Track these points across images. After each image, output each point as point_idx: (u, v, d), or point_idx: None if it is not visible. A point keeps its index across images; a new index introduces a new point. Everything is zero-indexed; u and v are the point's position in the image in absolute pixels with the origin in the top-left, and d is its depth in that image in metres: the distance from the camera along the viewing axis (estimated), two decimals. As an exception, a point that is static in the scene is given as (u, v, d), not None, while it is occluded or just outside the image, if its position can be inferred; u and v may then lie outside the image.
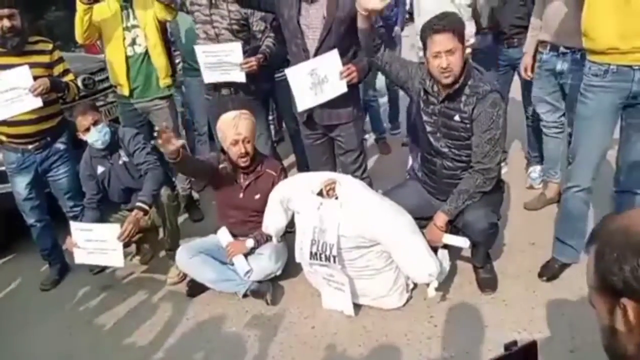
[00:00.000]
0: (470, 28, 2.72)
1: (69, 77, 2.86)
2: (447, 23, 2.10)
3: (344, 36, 2.43)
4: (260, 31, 2.92)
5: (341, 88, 2.42)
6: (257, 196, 2.63)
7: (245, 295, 2.55)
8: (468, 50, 2.46)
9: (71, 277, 3.05)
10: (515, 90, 3.31)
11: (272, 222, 2.49)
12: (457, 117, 2.23)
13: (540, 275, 2.44)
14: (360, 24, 2.23)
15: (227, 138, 2.54)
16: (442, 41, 2.09)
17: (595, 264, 0.79)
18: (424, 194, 2.52)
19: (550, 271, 2.43)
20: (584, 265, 2.43)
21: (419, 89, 2.32)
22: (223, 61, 2.78)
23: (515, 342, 0.87)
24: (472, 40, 2.76)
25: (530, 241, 2.74)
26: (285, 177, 2.86)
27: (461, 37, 2.12)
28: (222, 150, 2.66)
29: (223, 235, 2.69)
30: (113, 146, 2.83)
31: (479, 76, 2.23)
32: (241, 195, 2.64)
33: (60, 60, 2.85)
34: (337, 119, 2.60)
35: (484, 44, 3.11)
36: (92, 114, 2.72)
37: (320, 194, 2.34)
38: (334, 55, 2.38)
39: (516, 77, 3.23)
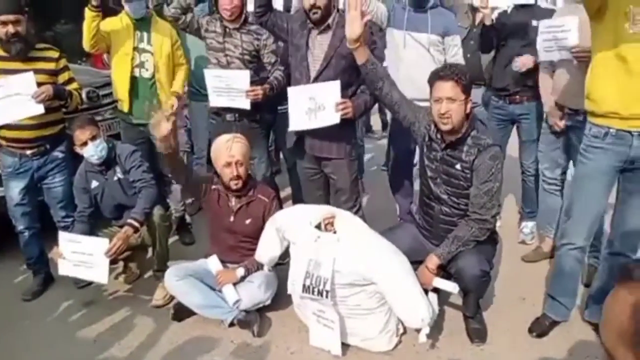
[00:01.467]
0: None
1: (73, 86, 2.87)
2: (451, 72, 2.19)
3: (344, 72, 2.51)
4: (271, 63, 2.99)
5: (334, 119, 2.47)
6: (248, 221, 2.62)
7: (231, 324, 2.50)
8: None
9: (54, 289, 2.96)
10: (510, 146, 3.39)
11: (267, 250, 2.47)
12: (458, 166, 2.27)
13: (530, 330, 2.43)
14: (357, 60, 2.31)
15: (220, 160, 2.55)
16: (444, 88, 2.18)
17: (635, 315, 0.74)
18: (418, 237, 2.54)
19: (540, 327, 2.42)
20: (574, 324, 2.43)
21: (424, 133, 2.37)
22: (230, 87, 2.83)
23: None
24: None
25: (522, 296, 2.74)
26: (279, 204, 2.86)
27: (465, 89, 2.19)
28: (216, 174, 2.66)
29: (213, 263, 2.65)
30: (109, 162, 2.81)
31: (482, 128, 2.30)
32: (232, 218, 2.63)
33: (66, 68, 2.87)
34: (328, 152, 2.64)
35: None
36: (91, 128, 2.71)
37: (318, 227, 2.34)
38: (335, 86, 2.45)
39: (513, 132, 3.31)
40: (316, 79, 2.52)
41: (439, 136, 2.31)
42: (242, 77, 2.82)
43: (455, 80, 2.16)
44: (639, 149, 2.04)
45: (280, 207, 2.84)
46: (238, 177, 2.55)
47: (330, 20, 2.51)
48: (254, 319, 2.48)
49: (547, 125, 2.89)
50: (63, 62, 2.86)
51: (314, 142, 2.63)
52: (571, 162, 2.84)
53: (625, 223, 2.21)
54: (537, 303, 2.58)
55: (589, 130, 2.17)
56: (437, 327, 2.41)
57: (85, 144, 2.70)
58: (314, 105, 2.46)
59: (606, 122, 2.08)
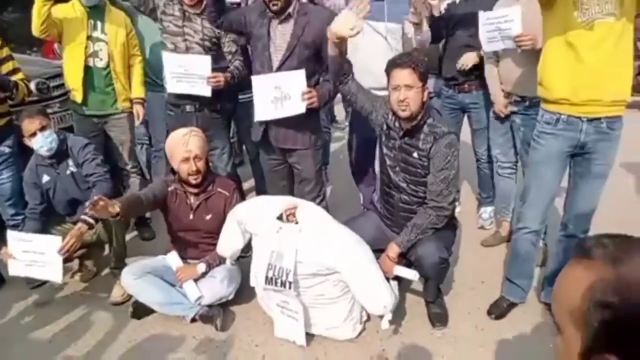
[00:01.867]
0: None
1: (18, 77, 2.74)
2: (409, 60, 2.21)
3: (307, 61, 2.48)
4: (231, 53, 2.93)
5: (300, 108, 2.45)
6: (209, 217, 2.56)
7: (193, 320, 2.45)
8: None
9: (5, 290, 2.84)
10: (466, 134, 3.45)
11: (228, 244, 2.44)
12: (415, 154, 2.30)
13: (489, 313, 2.49)
14: (330, 50, 2.30)
15: (177, 156, 2.48)
16: (402, 75, 2.19)
17: (592, 296, 0.70)
18: (380, 226, 2.55)
19: (498, 309, 2.49)
20: (530, 305, 2.49)
21: (382, 122, 2.39)
22: (190, 73, 2.74)
23: None
24: None
25: (481, 279, 2.81)
26: (241, 196, 2.82)
27: (422, 77, 2.21)
28: (172, 171, 2.58)
29: (173, 260, 2.58)
30: (61, 155, 2.70)
31: (438, 117, 2.33)
32: (191, 216, 2.56)
33: (10, 58, 2.74)
34: (293, 143, 2.62)
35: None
36: (40, 118, 2.60)
37: (280, 218, 2.32)
38: (300, 75, 2.42)
39: (465, 121, 3.37)
40: (279, 69, 2.48)
41: (397, 124, 2.32)
42: (203, 63, 2.74)
43: (413, 67, 2.18)
44: (589, 135, 2.11)
45: (243, 199, 2.80)
46: (197, 171, 2.48)
47: (290, 10, 2.47)
48: (217, 313, 2.44)
49: (493, 113, 2.97)
50: (5, 51, 2.72)
51: (279, 133, 2.60)
52: (518, 147, 2.92)
53: (577, 206, 2.28)
54: (496, 286, 2.65)
55: (542, 117, 2.23)
56: (399, 313, 2.45)
57: (34, 134, 2.58)
58: (279, 95, 2.43)
59: (557, 109, 2.14)
